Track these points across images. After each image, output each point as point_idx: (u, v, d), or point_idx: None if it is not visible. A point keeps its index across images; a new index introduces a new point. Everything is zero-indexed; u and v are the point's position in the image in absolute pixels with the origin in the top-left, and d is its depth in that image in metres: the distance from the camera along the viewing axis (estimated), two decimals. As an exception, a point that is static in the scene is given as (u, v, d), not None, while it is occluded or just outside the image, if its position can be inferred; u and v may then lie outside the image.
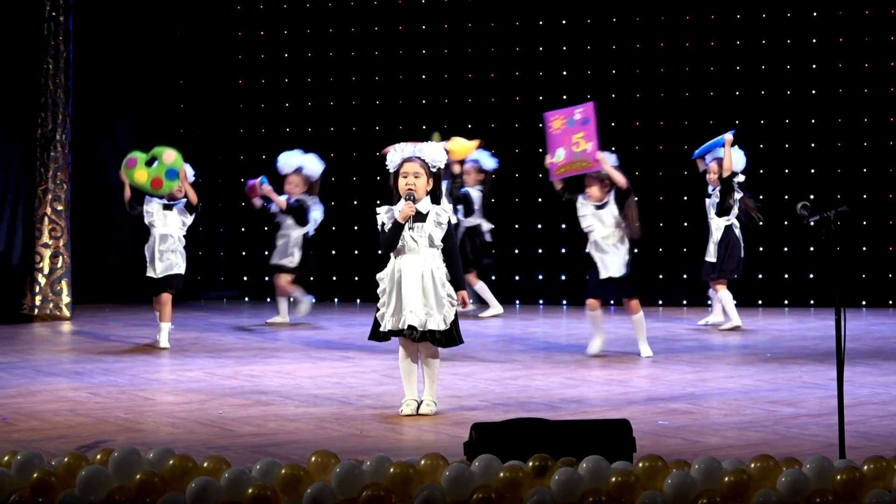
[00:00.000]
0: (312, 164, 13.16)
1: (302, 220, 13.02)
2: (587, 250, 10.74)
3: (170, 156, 11.10)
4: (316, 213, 13.11)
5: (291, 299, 13.31)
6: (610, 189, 10.58)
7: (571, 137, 10.46)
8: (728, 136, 12.19)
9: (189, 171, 11.30)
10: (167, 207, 11.25)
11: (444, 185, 10.30)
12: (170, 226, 11.27)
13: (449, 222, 8.05)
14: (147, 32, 15.51)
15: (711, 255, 12.49)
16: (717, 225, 12.45)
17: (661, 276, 14.98)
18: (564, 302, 15.41)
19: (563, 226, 15.35)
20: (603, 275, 10.62)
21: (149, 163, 11.08)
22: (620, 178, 10.50)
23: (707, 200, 12.58)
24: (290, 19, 16.02)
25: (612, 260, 10.58)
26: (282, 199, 12.96)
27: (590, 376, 9.68)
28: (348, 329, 12.87)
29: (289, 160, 13.14)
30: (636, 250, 10.86)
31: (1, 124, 13.46)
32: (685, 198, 13.29)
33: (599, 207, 10.60)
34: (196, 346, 11.52)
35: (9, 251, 13.52)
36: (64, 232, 13.70)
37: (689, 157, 13.02)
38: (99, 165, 15.07)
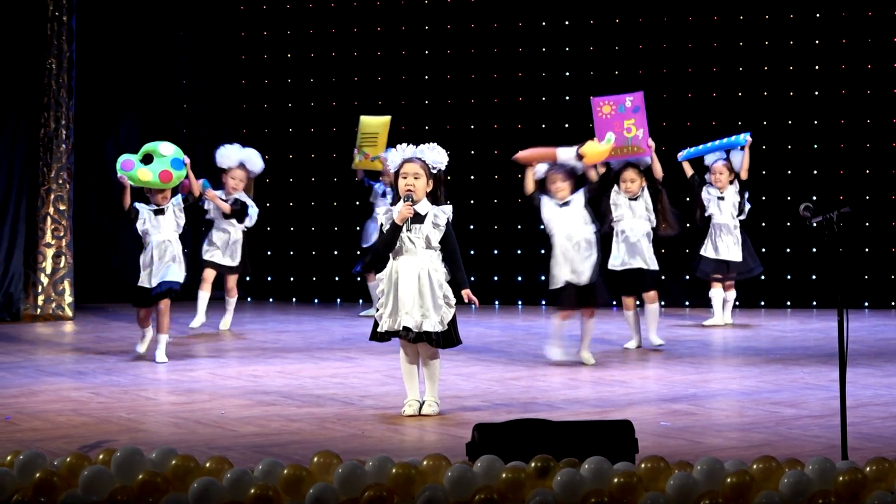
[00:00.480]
0: (255, 159, 12.59)
1: (241, 218, 12.49)
2: (613, 244, 11.11)
3: (167, 148, 10.54)
4: (253, 212, 12.53)
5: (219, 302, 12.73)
6: (643, 184, 11.09)
7: (623, 123, 10.85)
8: (749, 139, 12.54)
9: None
10: (158, 212, 10.59)
11: (583, 194, 10.32)
12: (164, 231, 10.58)
13: (447, 223, 8.02)
14: (150, 32, 15.52)
15: (735, 256, 12.67)
16: (736, 224, 12.74)
17: (663, 277, 14.96)
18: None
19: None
20: (615, 265, 11.06)
21: (144, 160, 10.49)
22: (660, 169, 11.06)
23: (719, 201, 12.67)
24: (293, 20, 16.02)
25: (636, 251, 11.04)
26: (227, 206, 12.35)
27: (592, 377, 9.68)
28: (350, 329, 12.87)
29: (230, 153, 12.54)
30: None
31: (4, 124, 13.46)
32: (686, 199, 13.27)
33: (633, 199, 11.10)
34: (198, 347, 11.52)
35: (10, 251, 13.51)
36: (66, 231, 13.70)
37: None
38: (102, 165, 15.07)
